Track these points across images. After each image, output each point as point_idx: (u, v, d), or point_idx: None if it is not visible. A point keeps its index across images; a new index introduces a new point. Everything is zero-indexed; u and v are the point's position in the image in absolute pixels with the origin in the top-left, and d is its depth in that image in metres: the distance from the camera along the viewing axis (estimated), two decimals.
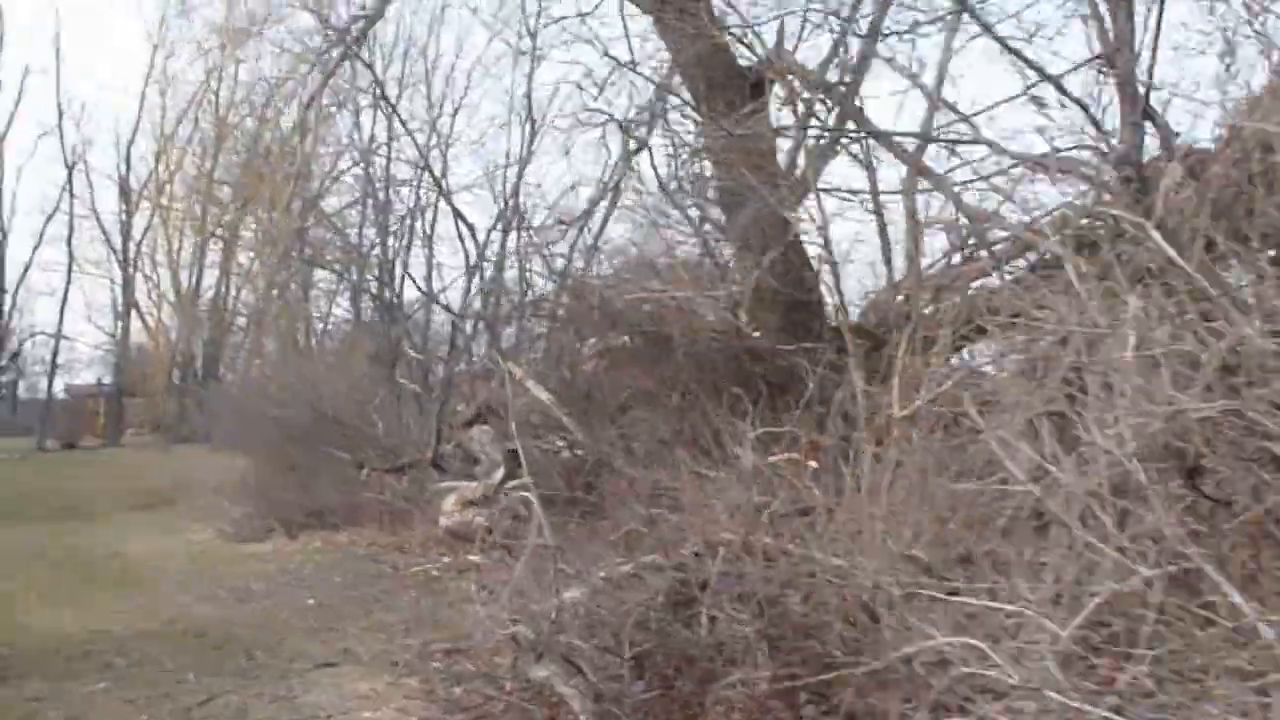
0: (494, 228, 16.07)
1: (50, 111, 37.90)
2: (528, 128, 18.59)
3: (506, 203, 17.43)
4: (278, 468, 15.04)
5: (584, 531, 9.38)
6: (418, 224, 22.53)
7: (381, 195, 23.25)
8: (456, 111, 23.57)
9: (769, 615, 5.13)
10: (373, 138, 24.98)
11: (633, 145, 11.78)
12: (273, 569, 11.58)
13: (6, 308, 36.69)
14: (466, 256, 17.45)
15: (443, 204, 20.33)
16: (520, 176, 17.91)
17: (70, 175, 38.05)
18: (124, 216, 38.82)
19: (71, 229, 38.49)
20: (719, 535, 5.83)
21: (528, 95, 18.89)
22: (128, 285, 38.90)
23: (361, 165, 25.08)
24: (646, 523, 7.81)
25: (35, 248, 38.11)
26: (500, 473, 10.44)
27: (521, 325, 12.25)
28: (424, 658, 7.29)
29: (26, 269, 38.00)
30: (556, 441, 10.73)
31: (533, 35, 18.17)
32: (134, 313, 39.88)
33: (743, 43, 9.71)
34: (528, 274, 11.64)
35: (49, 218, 38.45)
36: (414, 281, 21.72)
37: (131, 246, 38.88)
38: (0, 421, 40.14)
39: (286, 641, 8.12)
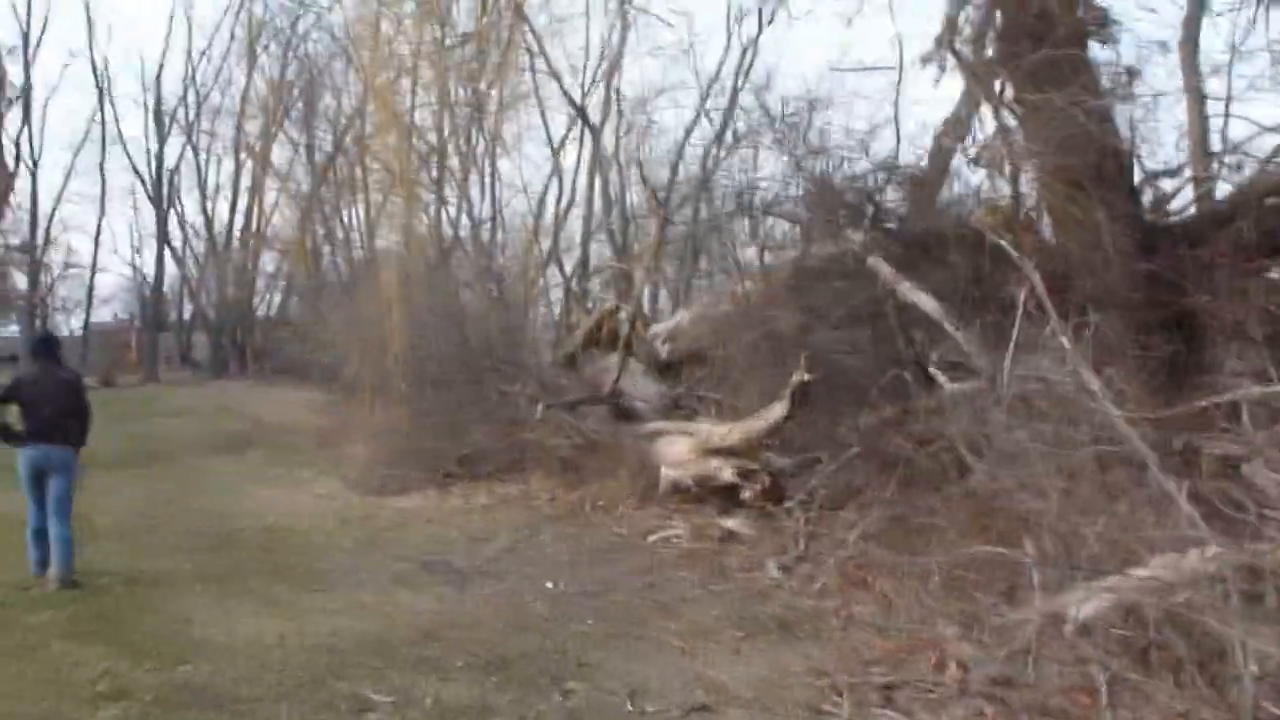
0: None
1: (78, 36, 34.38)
2: None
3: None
4: (411, 407, 12.26)
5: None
6: None
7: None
8: None
9: None
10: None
11: None
12: (454, 534, 8.91)
13: (40, 241, 33.24)
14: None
15: None
16: None
17: (101, 98, 34.66)
18: (156, 144, 35.37)
19: (104, 153, 35.20)
20: None
21: None
22: (161, 216, 35.55)
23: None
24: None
25: (67, 175, 34.87)
26: (776, 411, 7.73)
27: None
28: None
29: (57, 201, 34.65)
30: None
31: None
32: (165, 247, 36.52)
33: None
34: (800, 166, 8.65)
35: (79, 147, 35.19)
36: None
37: (164, 175, 35.44)
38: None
39: (589, 658, 5.49)
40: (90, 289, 36.99)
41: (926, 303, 6.38)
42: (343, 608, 6.48)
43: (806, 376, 7.25)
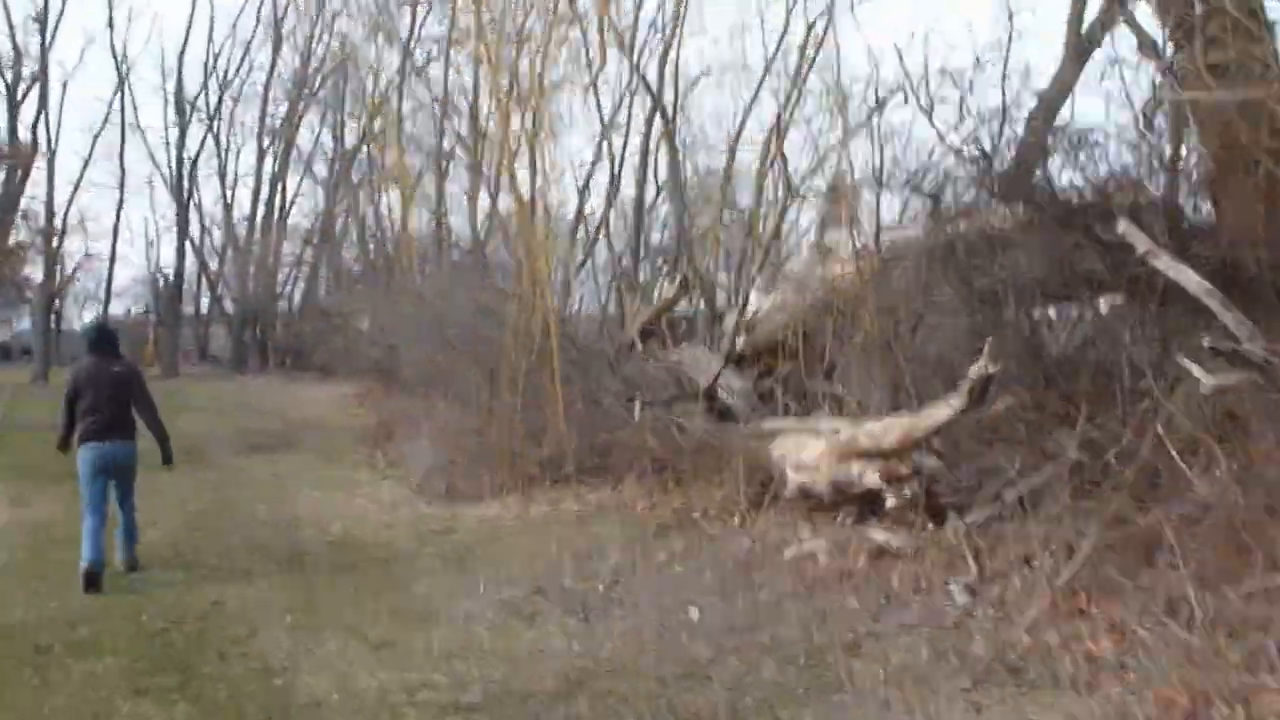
0: None
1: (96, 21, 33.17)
2: None
3: None
4: (482, 402, 11.11)
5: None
6: None
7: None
8: None
9: None
10: None
11: None
12: (555, 550, 7.76)
13: (58, 230, 32.05)
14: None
15: None
16: None
17: (121, 84, 33.53)
18: (177, 132, 34.22)
19: (124, 141, 34.10)
20: None
21: None
22: (182, 206, 34.40)
23: None
24: None
25: (85, 163, 33.70)
26: (945, 408, 6.57)
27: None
28: None
29: (75, 188, 33.47)
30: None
31: None
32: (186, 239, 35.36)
33: None
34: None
35: (97, 133, 34.11)
36: None
37: (186, 164, 34.30)
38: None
39: (788, 716, 4.37)
40: (109, 281, 35.97)
41: (1189, 279, 5.20)
42: (459, 648, 5.36)
43: (991, 368, 6.09)
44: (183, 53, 33.97)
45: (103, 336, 7.18)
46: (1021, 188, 6.83)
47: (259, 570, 7.13)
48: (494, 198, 18.20)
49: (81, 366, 7.02)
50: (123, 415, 6.77)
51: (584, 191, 19.96)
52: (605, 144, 20.09)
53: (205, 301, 39.74)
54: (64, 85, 32.79)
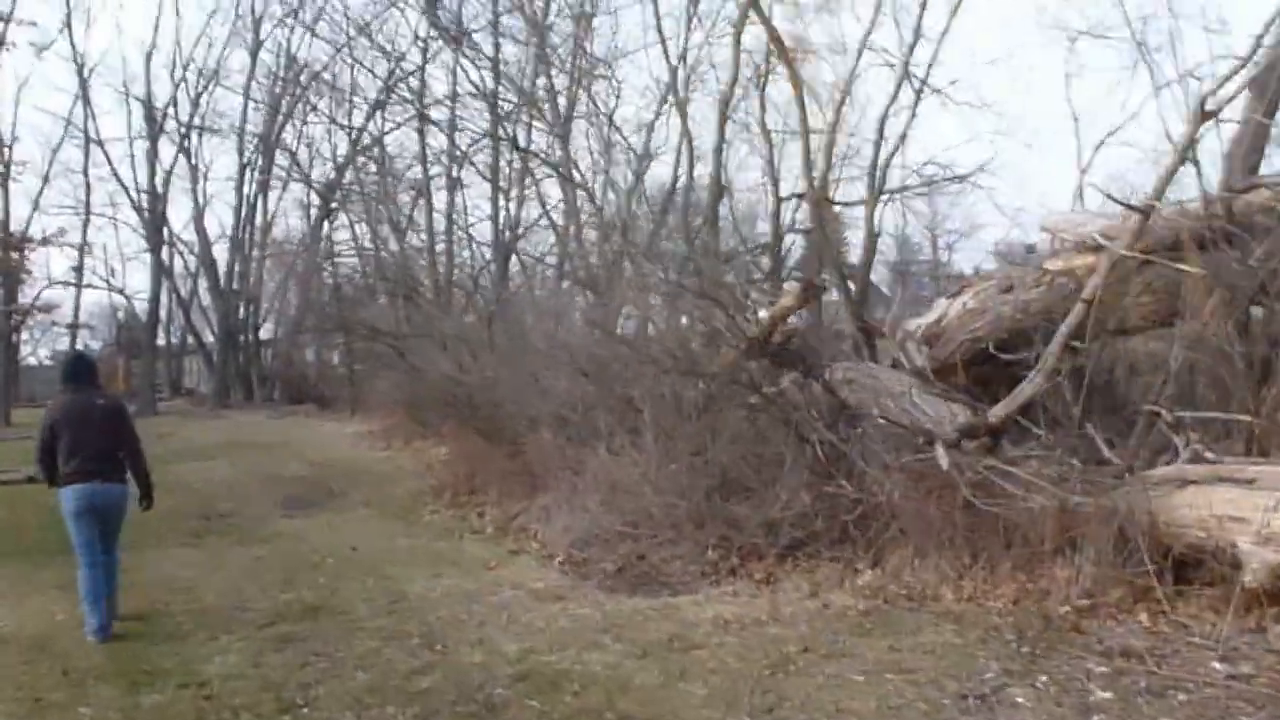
0: None
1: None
2: None
3: None
4: (647, 447, 8.00)
5: None
6: None
7: None
8: None
9: None
10: None
11: None
12: (905, 689, 4.76)
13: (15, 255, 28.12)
14: None
15: None
16: None
17: (83, 87, 29.91)
18: (148, 142, 30.65)
19: (87, 154, 30.50)
20: None
21: None
22: (155, 226, 30.82)
23: None
24: None
25: (44, 180, 30.03)
26: None
27: None
28: None
29: (34, 207, 29.72)
30: None
31: None
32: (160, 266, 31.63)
33: None
34: None
35: (57, 146, 30.50)
36: None
37: (159, 177, 30.76)
38: None
39: None
40: (76, 310, 32.14)
41: None
42: None
43: None
44: (150, 56, 30.50)
45: (82, 368, 6.54)
46: None
47: None
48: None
49: (59, 403, 6.31)
50: (111, 453, 6.18)
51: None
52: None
53: (174, 329, 36.21)
54: (17, 93, 28.86)
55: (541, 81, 16.78)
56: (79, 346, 33.49)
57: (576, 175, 15.66)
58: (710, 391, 7.82)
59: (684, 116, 15.99)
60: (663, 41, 15.98)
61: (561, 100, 16.86)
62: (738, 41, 16.24)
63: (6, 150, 27.26)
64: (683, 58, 17.15)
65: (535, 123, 17.09)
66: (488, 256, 20.73)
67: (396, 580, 7.35)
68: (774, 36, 14.52)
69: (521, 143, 17.09)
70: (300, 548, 8.79)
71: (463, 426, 11.97)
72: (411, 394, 15.62)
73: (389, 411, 18.81)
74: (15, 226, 27.66)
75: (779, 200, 16.15)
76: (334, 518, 10.44)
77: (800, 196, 15.33)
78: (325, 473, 13.98)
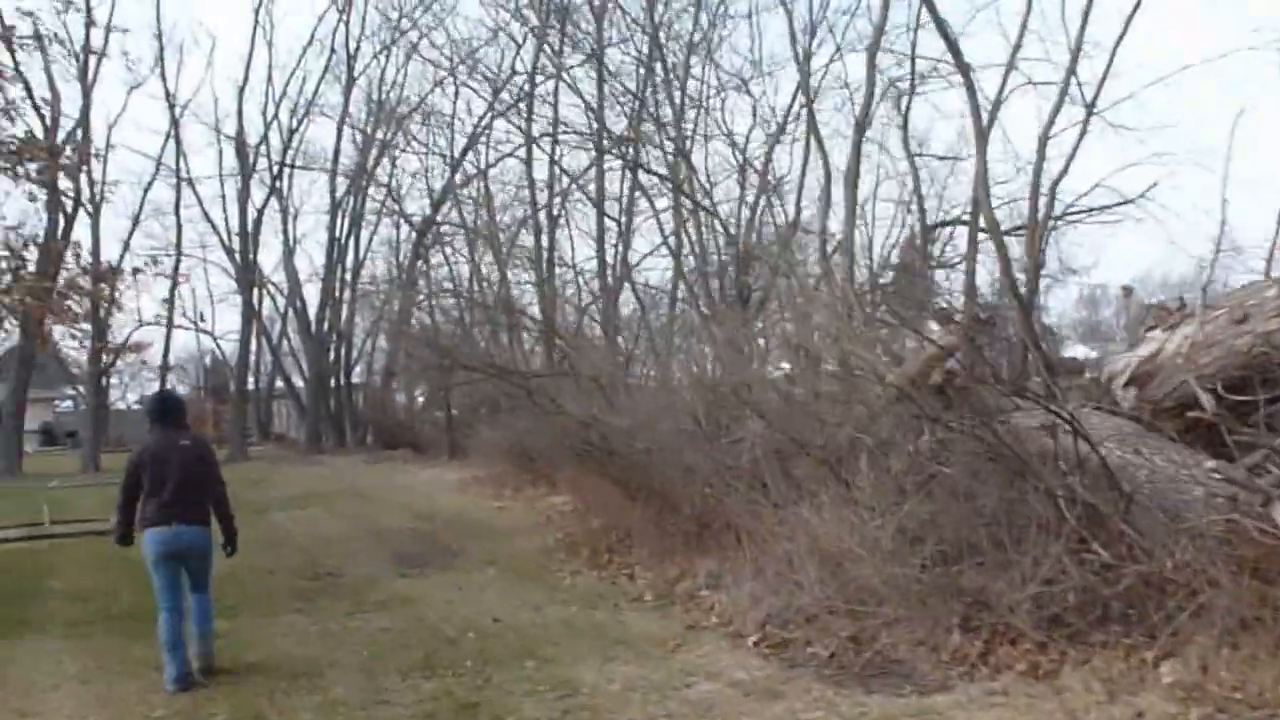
0: None
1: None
2: None
3: None
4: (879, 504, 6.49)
5: None
6: None
7: None
8: None
9: None
10: None
11: None
12: None
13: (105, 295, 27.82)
14: None
15: None
16: None
17: (174, 125, 29.78)
18: (239, 181, 30.39)
19: (179, 195, 30.31)
20: None
21: None
22: (248, 267, 30.43)
23: None
24: None
25: (134, 221, 29.94)
26: None
27: None
28: None
29: (125, 248, 29.53)
30: None
31: None
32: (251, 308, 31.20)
33: None
34: None
35: (148, 185, 30.33)
36: None
37: (251, 216, 30.39)
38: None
39: None
40: (166, 352, 31.83)
41: None
42: None
43: None
44: (242, 91, 30.27)
45: (169, 407, 6.41)
46: None
47: None
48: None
49: (146, 444, 6.12)
50: (195, 496, 5.93)
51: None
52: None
53: (263, 372, 35.83)
54: (108, 132, 28.70)
55: (661, 101, 15.66)
56: (182, 389, 33.47)
57: (703, 200, 14.34)
58: (939, 438, 6.33)
59: (818, 139, 14.63)
60: (798, 59, 14.65)
61: (683, 124, 15.66)
62: (872, 61, 14.91)
63: (98, 184, 26.93)
64: (804, 81, 15.85)
65: (653, 148, 15.88)
66: (595, 290, 19.57)
67: (559, 664, 5.97)
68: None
69: (639, 168, 15.83)
70: (429, 616, 7.47)
71: (593, 475, 10.60)
72: (522, 438, 14.32)
73: (493, 458, 17.64)
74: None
75: (925, 228, 14.65)
76: (458, 578, 9.13)
77: (957, 223, 13.84)
78: (435, 525, 12.75)
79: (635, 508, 9.27)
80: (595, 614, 7.32)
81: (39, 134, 18.50)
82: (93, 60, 26.67)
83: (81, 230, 26.49)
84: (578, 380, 10.80)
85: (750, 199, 15.04)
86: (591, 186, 19.64)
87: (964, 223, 14.81)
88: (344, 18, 29.26)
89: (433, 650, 6.38)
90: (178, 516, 5.79)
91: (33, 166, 12.45)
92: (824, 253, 14.25)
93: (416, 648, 6.47)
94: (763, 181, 15.21)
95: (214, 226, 31.09)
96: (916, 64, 14.98)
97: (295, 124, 30.64)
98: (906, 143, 15.29)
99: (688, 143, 15.38)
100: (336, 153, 30.60)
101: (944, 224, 14.59)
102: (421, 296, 25.82)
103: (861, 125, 14.74)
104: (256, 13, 30.20)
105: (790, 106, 15.49)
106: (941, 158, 15.20)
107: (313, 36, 29.44)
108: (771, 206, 15.11)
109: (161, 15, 32.32)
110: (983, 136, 11.82)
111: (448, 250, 28.00)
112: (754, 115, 17.42)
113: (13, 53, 13.72)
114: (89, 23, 25.68)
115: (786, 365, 9.83)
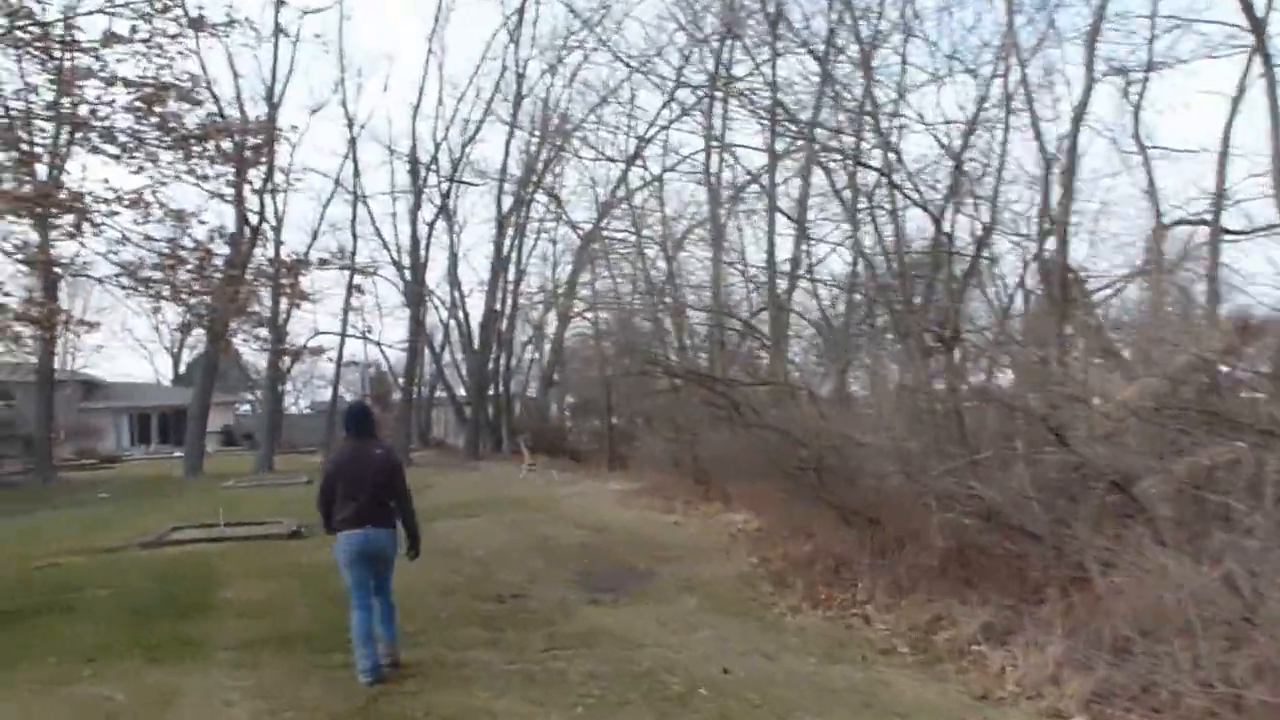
0: None
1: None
2: None
3: None
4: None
5: None
6: None
7: None
8: None
9: None
10: None
11: None
12: None
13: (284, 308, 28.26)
14: None
15: None
16: None
17: (352, 146, 30.17)
18: (411, 198, 30.45)
19: (355, 212, 30.59)
20: None
21: None
22: (418, 280, 30.44)
23: None
24: None
25: (313, 236, 30.46)
26: None
27: None
28: None
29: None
30: None
31: None
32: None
33: None
34: None
35: (327, 201, 30.88)
36: None
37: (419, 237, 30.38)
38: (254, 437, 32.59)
39: None
40: (339, 360, 32.09)
41: None
42: None
43: None
44: (415, 111, 30.37)
45: (363, 417, 6.43)
46: None
47: None
48: None
49: (342, 451, 6.38)
50: (382, 501, 6.11)
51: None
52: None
53: (424, 380, 35.93)
54: (291, 150, 29.38)
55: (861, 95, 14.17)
56: (348, 397, 33.87)
57: (914, 194, 12.75)
58: None
59: (1037, 129, 12.84)
60: (1016, 49, 12.92)
61: (885, 119, 14.13)
62: (1091, 47, 13.09)
63: (279, 208, 27.37)
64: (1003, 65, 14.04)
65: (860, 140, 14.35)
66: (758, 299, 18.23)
67: None
68: None
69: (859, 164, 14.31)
70: (642, 661, 6.24)
71: (781, 491, 9.23)
72: (696, 450, 13.08)
73: (660, 468, 16.47)
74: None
75: (1161, 227, 12.70)
76: (657, 610, 7.90)
77: (1198, 223, 11.91)
78: (611, 541, 11.62)
79: (851, 533, 7.85)
80: (844, 670, 5.93)
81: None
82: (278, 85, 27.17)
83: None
84: (794, 393, 9.43)
85: (964, 193, 13.35)
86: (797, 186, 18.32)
87: (1205, 222, 12.83)
88: (515, 36, 29.14)
89: (664, 714, 5.13)
90: (368, 520, 5.99)
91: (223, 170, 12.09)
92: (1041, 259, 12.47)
93: (641, 706, 5.25)
94: (967, 177, 13.53)
95: (384, 243, 31.45)
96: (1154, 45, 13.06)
97: (466, 139, 30.55)
98: (1136, 133, 13.35)
99: (894, 135, 13.81)
100: (504, 168, 30.35)
101: (1181, 223, 12.61)
102: (589, 307, 24.99)
103: (1078, 115, 12.93)
104: (430, 40, 30.30)
105: (1005, 96, 13.73)
106: (1179, 151, 13.16)
107: (483, 57, 29.35)
108: (979, 201, 13.38)
109: (343, 41, 32.49)
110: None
111: (614, 259, 27.19)
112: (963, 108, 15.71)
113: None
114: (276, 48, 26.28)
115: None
